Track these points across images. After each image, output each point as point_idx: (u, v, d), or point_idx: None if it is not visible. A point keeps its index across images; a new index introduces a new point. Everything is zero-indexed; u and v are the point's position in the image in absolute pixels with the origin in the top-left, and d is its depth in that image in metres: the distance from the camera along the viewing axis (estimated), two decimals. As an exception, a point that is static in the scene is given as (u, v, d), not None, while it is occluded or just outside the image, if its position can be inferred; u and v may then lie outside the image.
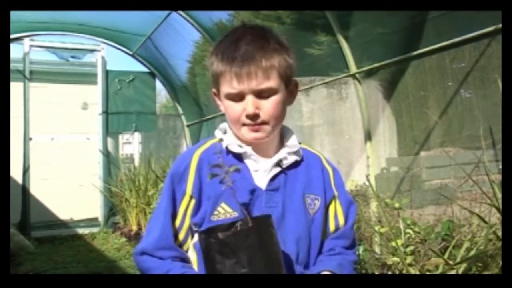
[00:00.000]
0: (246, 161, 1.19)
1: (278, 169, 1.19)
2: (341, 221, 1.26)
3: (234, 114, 1.15)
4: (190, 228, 1.19)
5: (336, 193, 1.27)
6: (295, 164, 1.22)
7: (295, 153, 1.22)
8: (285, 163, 1.20)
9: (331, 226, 1.26)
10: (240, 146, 1.18)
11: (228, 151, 1.19)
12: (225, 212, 1.14)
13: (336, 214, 1.26)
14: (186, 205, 1.17)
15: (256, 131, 1.14)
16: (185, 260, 1.18)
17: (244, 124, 1.14)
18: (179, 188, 1.17)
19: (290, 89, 1.20)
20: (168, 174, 1.21)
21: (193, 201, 1.16)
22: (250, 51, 1.11)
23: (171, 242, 1.16)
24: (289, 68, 1.16)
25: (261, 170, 1.18)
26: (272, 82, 1.12)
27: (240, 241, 0.97)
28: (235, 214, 1.13)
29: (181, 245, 1.19)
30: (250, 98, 1.12)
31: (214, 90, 1.21)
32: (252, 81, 1.10)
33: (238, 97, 1.13)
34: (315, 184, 1.24)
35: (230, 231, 0.99)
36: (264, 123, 1.14)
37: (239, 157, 1.19)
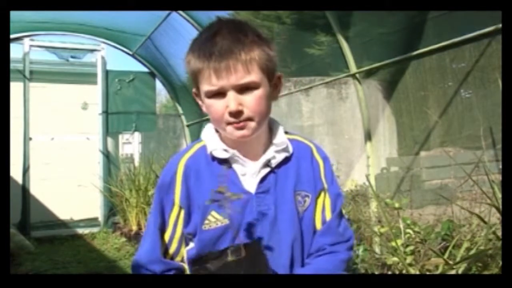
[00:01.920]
0: (234, 165, 1.13)
1: (267, 170, 1.14)
2: (328, 216, 1.18)
3: (216, 113, 1.08)
4: (182, 237, 1.16)
5: (325, 185, 1.19)
6: (285, 161, 1.16)
7: (284, 149, 1.16)
8: (274, 163, 1.14)
9: (318, 223, 1.18)
10: (225, 150, 1.12)
11: (214, 157, 1.14)
12: (216, 220, 1.11)
13: (324, 208, 1.19)
14: (176, 215, 1.15)
15: (242, 128, 1.07)
16: (178, 270, 1.16)
17: (229, 123, 1.07)
18: (167, 199, 1.15)
19: (273, 83, 1.13)
20: (157, 184, 1.18)
21: (183, 211, 1.14)
22: (228, 44, 1.04)
23: (159, 255, 1.14)
24: (270, 60, 1.09)
25: (248, 174, 1.13)
26: (254, 76, 1.05)
27: (232, 271, 0.97)
28: (226, 222, 1.10)
29: (173, 256, 1.17)
30: (231, 94, 1.05)
31: (194, 90, 1.15)
32: (232, 76, 1.03)
33: (219, 94, 1.06)
34: (305, 179, 1.17)
35: (221, 262, 0.99)
36: (249, 119, 1.07)
37: (225, 162, 1.14)
